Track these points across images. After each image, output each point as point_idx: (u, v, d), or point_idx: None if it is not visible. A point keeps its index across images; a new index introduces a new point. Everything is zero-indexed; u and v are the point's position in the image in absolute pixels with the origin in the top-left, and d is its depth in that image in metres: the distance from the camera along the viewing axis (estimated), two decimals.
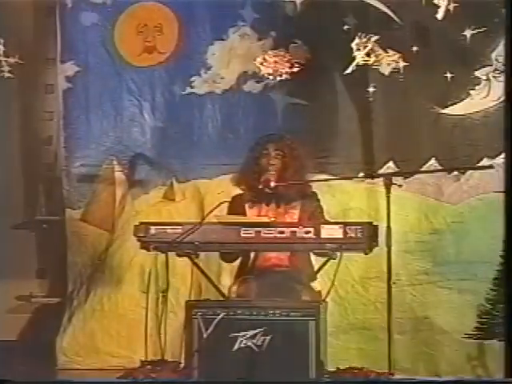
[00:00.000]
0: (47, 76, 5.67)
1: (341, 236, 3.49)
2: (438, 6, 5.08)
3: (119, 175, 5.40)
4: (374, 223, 3.65)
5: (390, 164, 5.09)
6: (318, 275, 4.02)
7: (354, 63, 5.13)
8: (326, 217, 4.62)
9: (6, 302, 5.49)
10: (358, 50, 5.10)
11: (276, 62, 5.17)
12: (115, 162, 5.41)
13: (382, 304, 4.91)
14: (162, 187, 5.36)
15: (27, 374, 4.83)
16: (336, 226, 3.50)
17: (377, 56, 5.08)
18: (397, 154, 5.09)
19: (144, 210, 5.31)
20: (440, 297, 4.95)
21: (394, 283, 3.82)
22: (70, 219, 5.40)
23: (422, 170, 4.93)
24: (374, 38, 5.15)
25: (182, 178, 5.34)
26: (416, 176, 5.02)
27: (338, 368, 3.51)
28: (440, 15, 5.02)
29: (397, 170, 5.04)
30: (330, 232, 3.48)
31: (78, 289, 5.34)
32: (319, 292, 3.96)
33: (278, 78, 5.20)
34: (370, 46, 5.07)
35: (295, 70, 5.18)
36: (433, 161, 5.04)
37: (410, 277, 5.00)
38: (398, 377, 3.71)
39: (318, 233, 3.50)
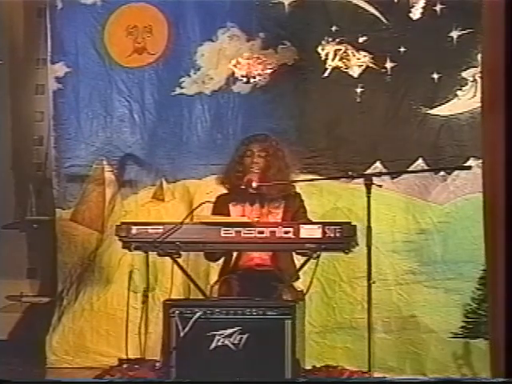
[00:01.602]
0: (38, 76, 5.70)
1: (319, 236, 3.50)
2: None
3: (109, 175, 5.43)
4: (353, 223, 3.64)
5: (378, 164, 5.11)
6: (301, 275, 4.04)
7: (330, 67, 5.17)
8: (314, 217, 4.65)
9: None
10: (327, 54, 5.15)
11: (249, 64, 5.21)
12: (105, 162, 5.44)
13: None
14: (152, 187, 5.39)
15: (17, 372, 4.87)
16: (315, 226, 3.53)
17: (347, 58, 5.12)
18: (384, 154, 5.12)
19: (133, 210, 5.34)
20: (426, 296, 4.97)
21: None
22: (60, 219, 5.42)
23: (407, 170, 4.96)
24: (362, 39, 5.19)
25: (172, 178, 5.36)
26: (403, 176, 5.06)
27: (313, 366, 3.54)
28: (416, 16, 5.06)
29: (384, 170, 5.07)
30: (309, 232, 3.51)
31: (68, 288, 5.37)
32: (301, 292, 3.97)
33: (252, 80, 5.24)
34: (343, 49, 5.11)
35: (268, 71, 5.21)
36: (420, 161, 5.06)
37: (396, 276, 5.03)
38: (377, 375, 3.73)
39: (297, 233, 3.52)
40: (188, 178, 5.33)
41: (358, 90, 5.19)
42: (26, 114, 5.73)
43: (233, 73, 5.35)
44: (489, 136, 2.68)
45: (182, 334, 3.32)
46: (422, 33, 5.12)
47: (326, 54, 5.17)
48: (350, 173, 4.84)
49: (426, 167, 5.04)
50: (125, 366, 3.45)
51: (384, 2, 5.19)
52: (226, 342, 3.32)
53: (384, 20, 5.19)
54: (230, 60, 5.36)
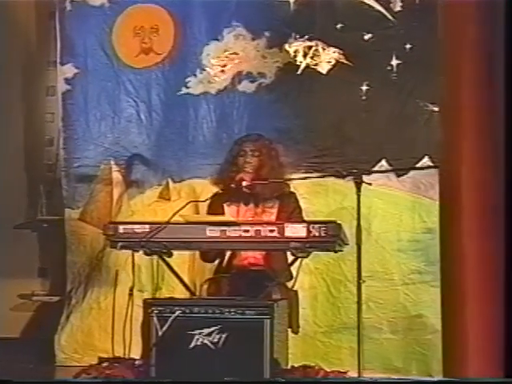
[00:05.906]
0: (49, 78, 5.77)
1: (304, 235, 3.47)
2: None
3: (116, 175, 5.47)
4: (338, 221, 3.60)
5: (383, 163, 5.06)
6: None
7: (302, 66, 5.15)
8: (320, 216, 4.63)
9: (9, 300, 5.61)
10: (296, 51, 5.12)
11: (217, 62, 5.24)
12: (113, 163, 5.49)
13: (375, 303, 4.95)
14: (158, 187, 5.42)
15: (28, 370, 4.94)
16: (300, 225, 3.50)
17: (315, 55, 5.09)
18: (390, 152, 5.06)
19: (140, 209, 5.38)
20: (433, 296, 4.87)
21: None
22: (69, 219, 5.49)
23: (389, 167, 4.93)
24: (367, 36, 5.14)
25: (178, 178, 5.39)
26: (409, 174, 5.01)
27: (292, 366, 3.52)
28: (396, 8, 5.02)
29: (389, 168, 5.03)
30: (294, 231, 3.48)
31: (77, 287, 5.43)
32: (295, 291, 3.95)
33: (222, 77, 5.26)
34: (313, 46, 5.08)
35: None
36: (426, 159, 5.00)
37: (403, 276, 4.99)
38: (368, 375, 3.70)
39: (282, 231, 3.50)
40: (194, 177, 5.34)
41: (364, 88, 5.15)
42: (37, 115, 5.81)
43: (238, 72, 5.35)
44: (447, 141, 2.62)
45: (160, 333, 3.34)
46: (429, 29, 5.04)
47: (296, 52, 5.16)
48: (355, 171, 4.78)
49: (432, 165, 4.97)
50: (104, 364, 3.47)
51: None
52: (206, 341, 3.32)
53: (390, 17, 5.14)
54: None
